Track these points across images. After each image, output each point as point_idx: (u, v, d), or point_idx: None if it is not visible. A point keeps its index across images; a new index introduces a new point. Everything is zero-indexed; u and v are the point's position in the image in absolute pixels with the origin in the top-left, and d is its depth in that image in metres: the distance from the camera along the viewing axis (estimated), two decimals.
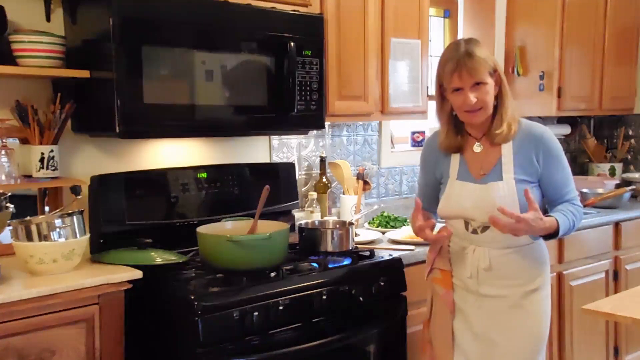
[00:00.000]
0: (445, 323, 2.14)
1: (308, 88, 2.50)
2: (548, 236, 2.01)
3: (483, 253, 2.05)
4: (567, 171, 2.08)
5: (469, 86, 1.97)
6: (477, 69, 1.96)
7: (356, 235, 2.69)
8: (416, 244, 2.64)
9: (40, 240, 1.95)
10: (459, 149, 2.10)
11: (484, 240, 2.05)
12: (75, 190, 2.22)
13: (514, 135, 2.04)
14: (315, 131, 3.04)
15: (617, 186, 3.96)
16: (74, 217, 2.02)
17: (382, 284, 2.31)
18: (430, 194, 2.19)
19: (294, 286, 2.10)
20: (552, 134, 2.07)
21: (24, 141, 2.20)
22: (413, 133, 3.65)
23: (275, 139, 2.95)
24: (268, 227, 2.26)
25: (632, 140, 4.45)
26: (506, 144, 2.04)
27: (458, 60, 1.97)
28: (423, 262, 2.44)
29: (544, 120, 4.06)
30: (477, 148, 2.08)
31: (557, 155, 2.05)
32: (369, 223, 3.06)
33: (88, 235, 2.10)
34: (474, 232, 2.06)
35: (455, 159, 2.12)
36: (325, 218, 2.89)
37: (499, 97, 2.03)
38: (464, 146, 2.10)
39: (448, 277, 2.13)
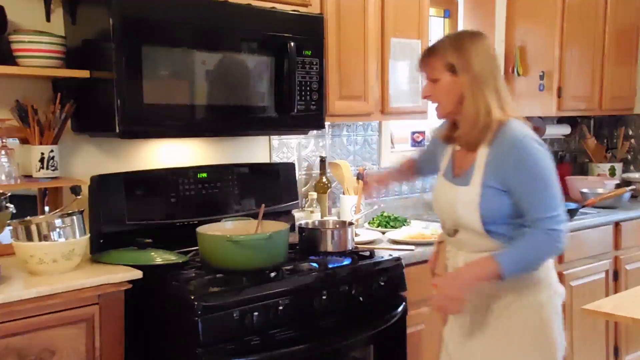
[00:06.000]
0: (436, 328, 2.10)
1: (308, 88, 2.50)
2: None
3: (459, 257, 1.95)
4: (536, 185, 1.78)
5: (427, 79, 1.94)
6: (428, 63, 1.92)
7: (356, 235, 2.68)
8: (416, 244, 2.64)
9: (40, 240, 1.96)
10: (449, 139, 1.99)
11: (456, 243, 1.96)
12: (75, 190, 2.22)
13: (481, 140, 1.85)
14: (315, 131, 3.04)
15: (617, 186, 3.96)
16: (74, 217, 2.02)
17: (382, 284, 2.31)
18: (427, 157, 2.22)
19: (294, 286, 2.10)
20: (531, 142, 1.81)
21: (24, 141, 2.20)
22: (413, 133, 3.65)
23: (275, 139, 2.95)
24: (268, 227, 2.26)
25: (632, 140, 4.45)
26: (482, 149, 1.86)
27: (423, 51, 1.98)
28: (423, 262, 2.45)
29: (544, 120, 4.06)
30: (457, 147, 1.97)
31: (526, 167, 1.79)
32: (369, 223, 3.06)
33: (88, 235, 2.10)
34: (448, 233, 1.97)
35: (448, 153, 2.03)
36: (325, 218, 2.89)
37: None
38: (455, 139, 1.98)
39: None
